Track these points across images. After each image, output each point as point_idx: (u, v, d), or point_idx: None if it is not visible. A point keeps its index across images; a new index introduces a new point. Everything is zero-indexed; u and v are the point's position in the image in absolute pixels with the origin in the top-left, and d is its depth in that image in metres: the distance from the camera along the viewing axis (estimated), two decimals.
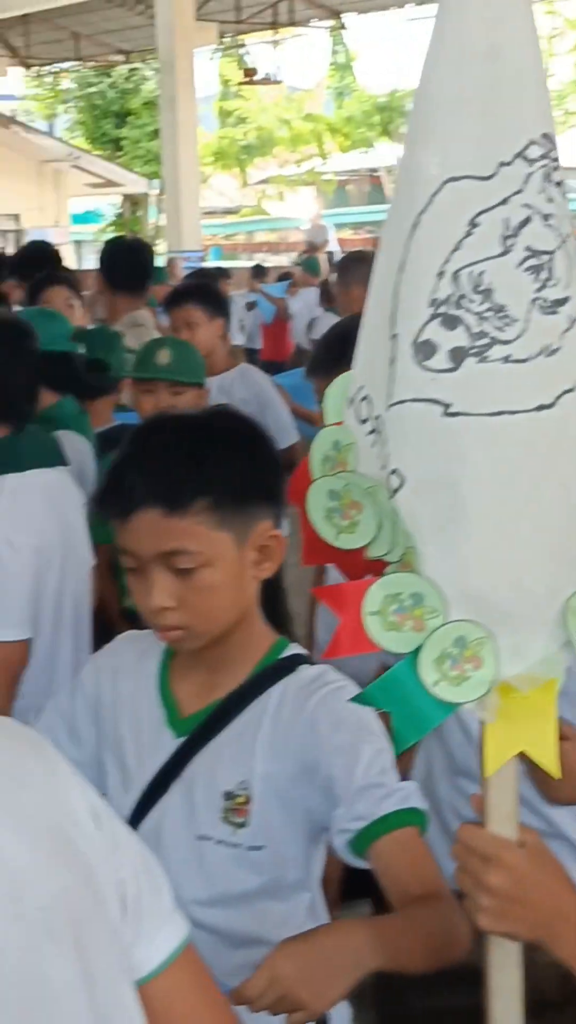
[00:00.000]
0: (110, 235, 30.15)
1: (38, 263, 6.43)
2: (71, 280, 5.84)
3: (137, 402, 4.11)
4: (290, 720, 1.98)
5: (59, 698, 2.24)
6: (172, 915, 1.38)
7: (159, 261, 10.46)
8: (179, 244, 17.93)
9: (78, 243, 32.48)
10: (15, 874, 1.18)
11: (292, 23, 21.48)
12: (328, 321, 9.47)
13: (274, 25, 21.39)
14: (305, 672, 2.04)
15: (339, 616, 1.48)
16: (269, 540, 2.00)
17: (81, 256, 30.16)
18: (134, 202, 33.02)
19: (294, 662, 2.05)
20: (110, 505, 1.97)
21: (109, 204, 34.56)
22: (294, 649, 2.10)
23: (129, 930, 1.31)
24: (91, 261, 26.35)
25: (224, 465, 1.95)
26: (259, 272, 17.48)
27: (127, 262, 6.21)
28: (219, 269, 13.88)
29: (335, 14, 21.86)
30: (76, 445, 3.85)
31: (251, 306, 15.44)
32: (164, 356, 4.05)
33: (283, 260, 27.41)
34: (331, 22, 22.65)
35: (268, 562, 2.01)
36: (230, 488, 1.94)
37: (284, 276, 16.91)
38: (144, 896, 1.33)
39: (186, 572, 1.93)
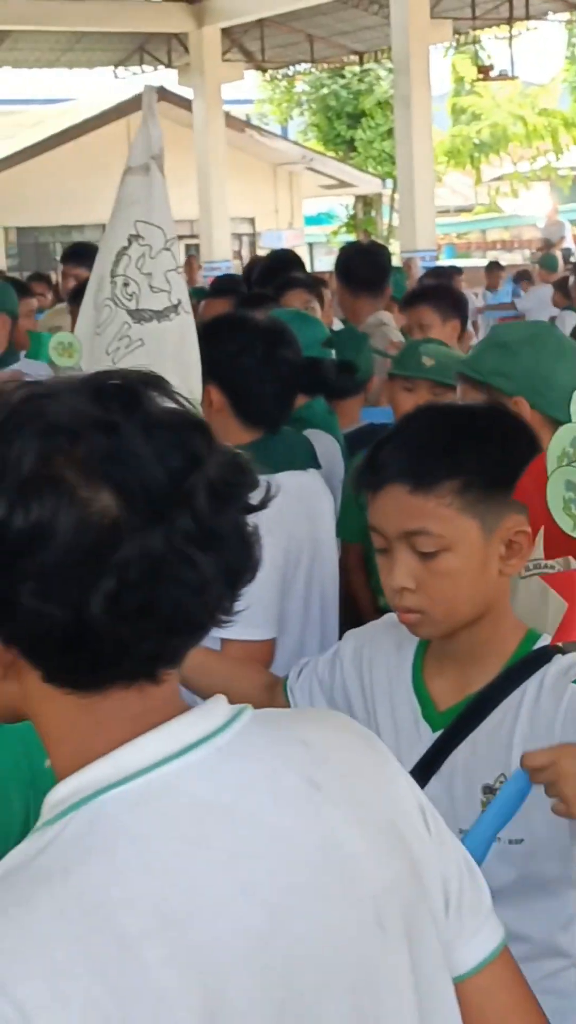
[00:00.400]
0: (343, 236, 30.38)
1: (279, 273, 6.52)
2: (310, 282, 5.89)
3: (396, 400, 4.15)
4: (548, 710, 1.97)
5: (317, 666, 2.25)
6: (490, 917, 1.41)
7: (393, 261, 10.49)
8: (413, 244, 17.90)
9: (311, 245, 32.77)
10: (351, 860, 1.23)
11: (528, 17, 21.21)
12: (569, 320, 9.34)
13: (509, 20, 21.17)
14: (561, 661, 2.01)
15: (567, 602, 1.49)
16: (518, 536, 1.98)
17: (313, 258, 30.42)
18: (367, 203, 33.13)
19: (548, 652, 2.03)
20: (364, 479, 2.01)
21: (341, 205, 34.75)
22: (545, 641, 2.07)
23: (451, 928, 1.34)
24: (324, 263, 26.60)
25: (478, 452, 1.95)
26: (495, 268, 17.33)
27: (365, 264, 6.21)
28: (452, 267, 13.83)
29: (572, 6, 21.50)
30: (325, 444, 3.90)
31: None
32: (429, 357, 4.06)
33: (517, 258, 27.16)
34: (568, 15, 22.30)
35: (515, 558, 2.00)
36: (481, 475, 1.93)
37: (520, 275, 16.74)
38: (466, 896, 1.37)
39: (428, 555, 1.93)
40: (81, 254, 7.15)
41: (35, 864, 1.13)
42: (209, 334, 3.13)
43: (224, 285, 7.60)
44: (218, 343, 3.12)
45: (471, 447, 1.96)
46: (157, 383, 1.21)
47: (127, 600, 1.11)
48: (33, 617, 1.12)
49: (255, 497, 1.22)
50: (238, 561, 1.19)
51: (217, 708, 1.24)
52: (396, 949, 1.24)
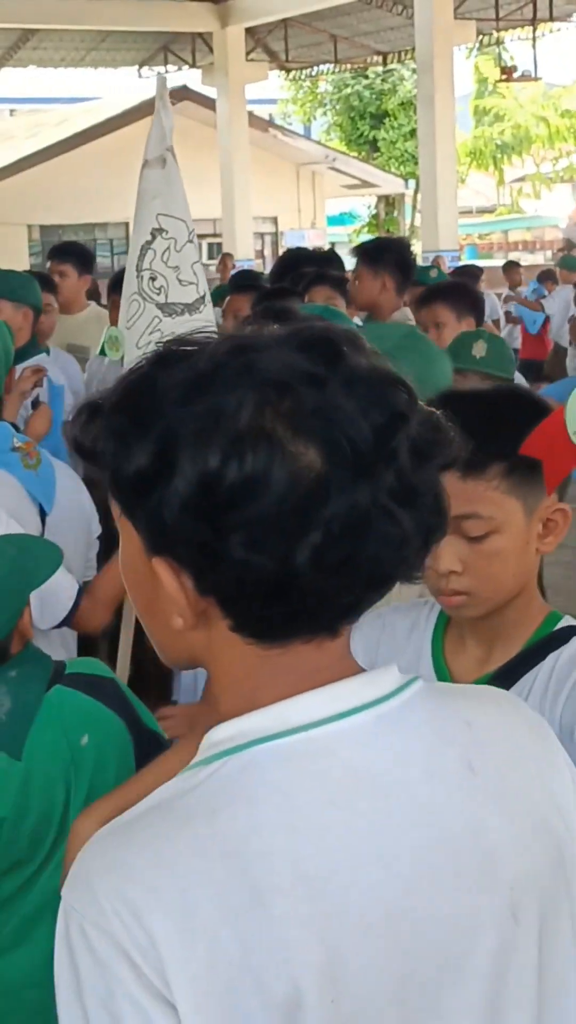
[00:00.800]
0: (365, 236, 30.37)
1: (292, 271, 6.52)
2: (336, 279, 5.92)
3: None
4: (556, 689, 1.99)
5: None
6: None
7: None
8: (435, 244, 17.91)
9: (333, 244, 32.77)
10: (494, 849, 1.22)
11: (551, 18, 21.19)
12: None
13: (533, 21, 21.15)
14: None
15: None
16: (555, 514, 2.01)
17: None
18: (389, 203, 33.13)
19: (568, 634, 2.05)
20: None
21: (364, 205, 34.75)
22: (568, 621, 2.09)
23: None
24: (346, 263, 26.60)
25: (517, 434, 1.97)
26: (512, 267, 17.31)
27: (397, 256, 6.14)
28: (473, 267, 13.83)
29: None
30: None
31: (513, 320, 15.25)
32: (480, 348, 4.13)
33: (539, 259, 27.14)
34: None
35: (551, 536, 2.03)
36: (522, 457, 1.95)
37: (545, 274, 16.71)
38: None
39: (476, 538, 1.96)
40: (65, 252, 7.10)
41: (183, 801, 1.16)
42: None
43: (246, 280, 7.67)
44: None
45: (511, 429, 1.98)
46: (354, 339, 1.20)
47: (332, 553, 1.13)
48: (240, 567, 1.13)
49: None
50: (433, 518, 1.20)
51: (387, 675, 1.25)
52: (526, 943, 1.23)
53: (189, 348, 1.18)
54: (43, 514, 3.21)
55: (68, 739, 2.39)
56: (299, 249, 8.50)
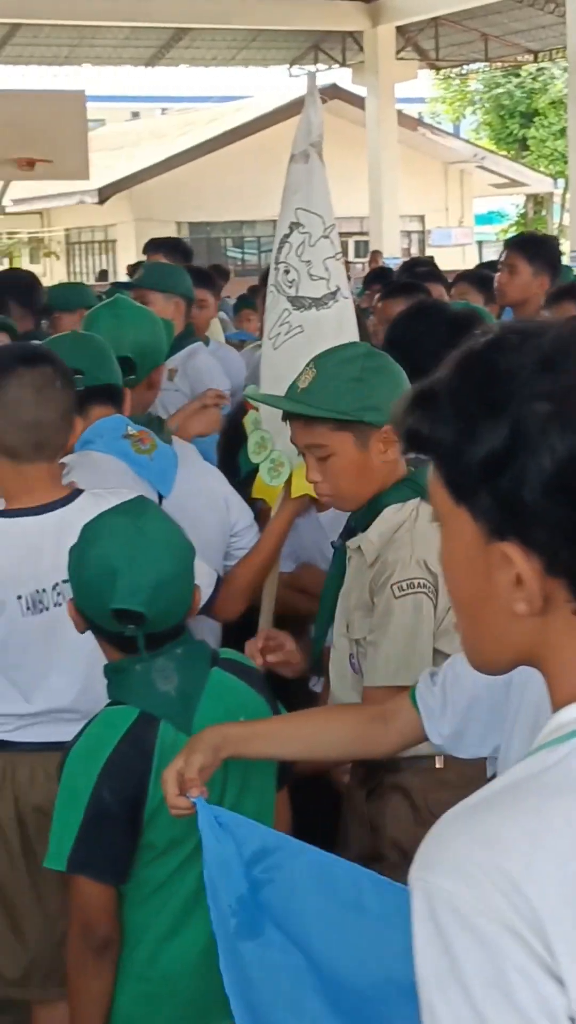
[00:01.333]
0: (512, 235, 30.17)
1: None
2: (479, 277, 6.01)
3: None
4: None
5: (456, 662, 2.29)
6: None
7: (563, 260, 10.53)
8: None
9: (480, 243, 32.61)
10: None
11: None
12: None
13: None
14: None
15: None
16: None
17: (483, 256, 30.31)
18: (537, 202, 32.85)
19: None
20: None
21: (512, 204, 34.51)
22: None
23: None
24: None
25: None
26: None
27: (550, 253, 6.07)
28: None
29: None
30: None
31: None
32: None
33: None
34: None
35: None
36: None
37: None
38: None
39: None
40: (157, 244, 7.03)
41: (545, 778, 1.13)
42: (399, 319, 3.48)
43: (380, 277, 7.99)
44: (405, 327, 3.47)
45: None
46: None
47: None
48: None
49: None
50: None
51: None
52: None
53: (521, 334, 1.19)
54: (160, 498, 3.27)
55: (229, 719, 2.45)
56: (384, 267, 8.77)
